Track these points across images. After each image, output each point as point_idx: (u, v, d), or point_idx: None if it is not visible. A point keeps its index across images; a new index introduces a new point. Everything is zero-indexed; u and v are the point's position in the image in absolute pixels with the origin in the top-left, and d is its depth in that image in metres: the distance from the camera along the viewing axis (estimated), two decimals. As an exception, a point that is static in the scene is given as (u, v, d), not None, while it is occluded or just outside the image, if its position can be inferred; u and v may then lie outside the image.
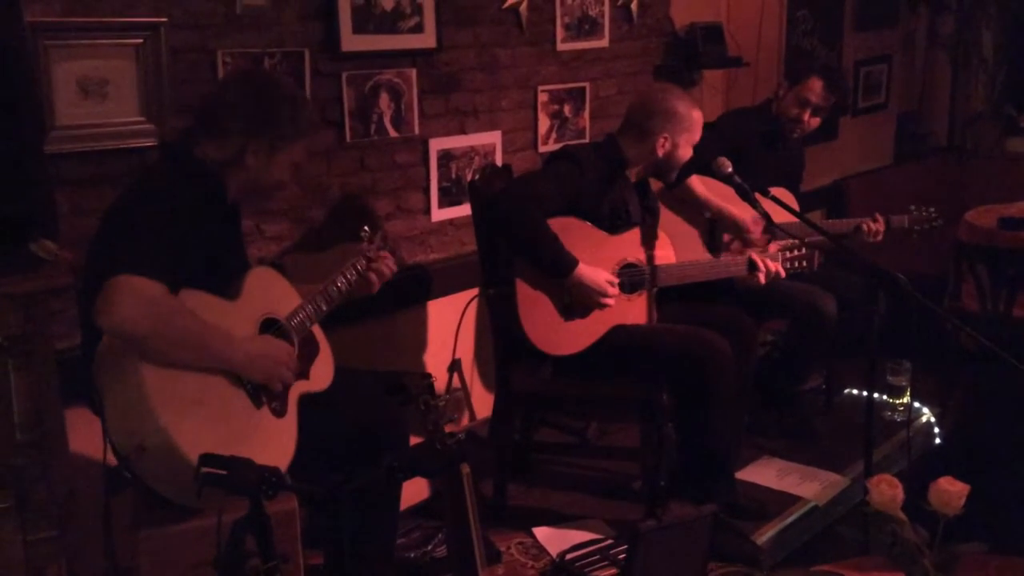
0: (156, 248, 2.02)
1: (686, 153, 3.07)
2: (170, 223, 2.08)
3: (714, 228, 3.54)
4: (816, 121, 3.71)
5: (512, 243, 2.91)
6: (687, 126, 3.02)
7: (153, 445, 1.93)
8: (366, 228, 2.57)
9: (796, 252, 3.16)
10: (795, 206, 3.38)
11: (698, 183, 3.45)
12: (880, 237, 3.63)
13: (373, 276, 2.50)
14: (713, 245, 3.53)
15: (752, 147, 3.60)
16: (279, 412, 2.20)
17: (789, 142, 3.79)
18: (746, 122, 3.76)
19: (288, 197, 3.04)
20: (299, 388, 2.28)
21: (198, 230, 2.14)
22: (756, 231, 3.43)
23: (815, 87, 3.63)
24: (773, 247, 3.28)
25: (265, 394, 2.18)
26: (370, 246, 2.53)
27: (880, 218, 3.64)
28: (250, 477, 1.65)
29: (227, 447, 2.00)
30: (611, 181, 3.04)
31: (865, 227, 3.62)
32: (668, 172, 3.13)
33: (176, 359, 2.00)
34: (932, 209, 3.72)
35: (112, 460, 2.06)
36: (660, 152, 3.03)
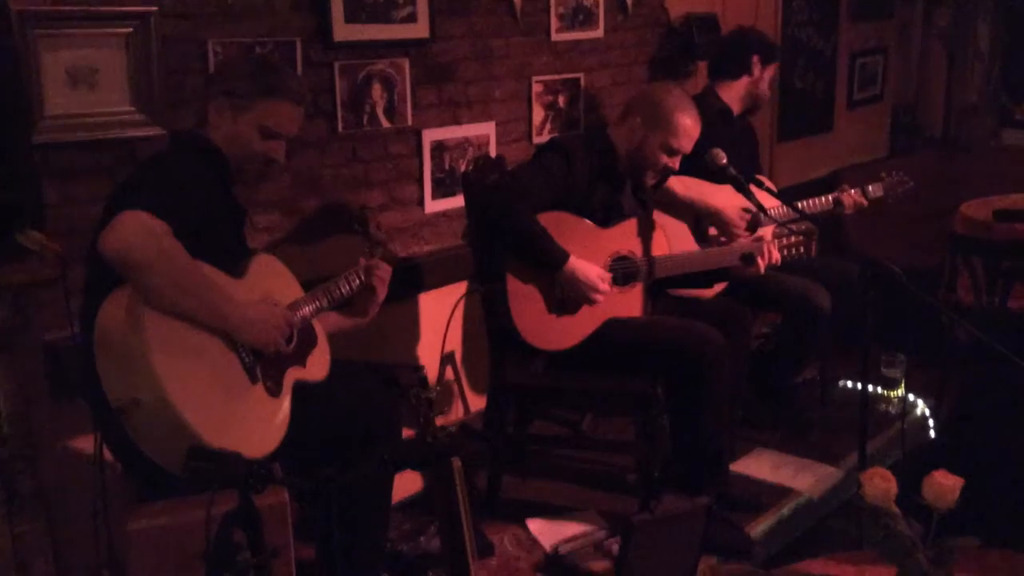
0: (165, 195, 2.04)
1: (653, 153, 2.97)
2: (181, 182, 2.12)
3: (700, 223, 3.51)
4: None
5: (502, 238, 2.89)
6: (663, 124, 2.94)
7: (148, 399, 1.93)
8: (370, 240, 2.60)
9: (792, 239, 3.14)
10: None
11: (677, 184, 3.40)
12: (862, 208, 3.65)
13: (376, 282, 2.52)
14: (701, 238, 3.50)
15: (713, 133, 3.57)
16: (273, 392, 2.21)
17: (742, 120, 3.78)
18: (702, 110, 3.70)
19: (279, 188, 3.03)
20: (295, 374, 2.29)
21: (206, 201, 2.17)
22: (742, 224, 3.40)
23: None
24: (769, 231, 3.26)
25: (261, 369, 2.18)
26: (371, 259, 2.55)
27: (855, 190, 3.64)
28: (238, 471, 1.63)
29: (220, 415, 2.03)
30: (601, 173, 3.02)
31: (845, 199, 3.61)
32: (639, 170, 3.04)
33: (175, 302, 2.00)
34: (901, 172, 3.75)
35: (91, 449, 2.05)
36: (629, 139, 2.99)
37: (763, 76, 3.70)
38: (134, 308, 1.97)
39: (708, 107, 3.62)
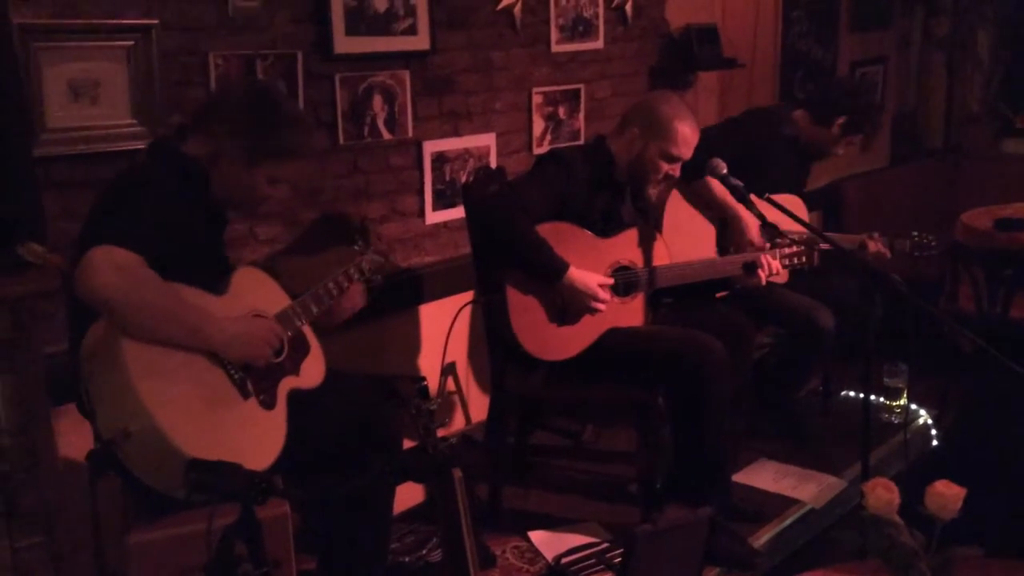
0: (136, 225, 2.02)
1: (654, 161, 2.97)
2: (153, 207, 2.08)
3: (726, 228, 3.50)
4: None
5: (501, 249, 2.89)
6: (662, 133, 2.94)
7: (137, 429, 1.92)
8: (360, 242, 2.58)
9: (794, 248, 3.13)
10: (805, 215, 3.35)
11: (716, 181, 3.39)
12: (884, 259, 3.63)
13: (362, 286, 2.50)
14: (724, 244, 3.49)
15: (773, 150, 3.56)
16: (268, 405, 2.19)
17: (804, 153, 3.77)
18: (771, 124, 3.69)
19: (281, 200, 3.03)
20: (289, 383, 2.27)
21: (182, 221, 2.14)
22: (758, 239, 3.37)
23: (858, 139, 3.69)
24: (768, 245, 3.25)
25: (252, 384, 2.16)
26: (362, 258, 2.53)
27: (882, 239, 3.63)
28: (239, 483, 1.63)
29: (213, 436, 2.00)
30: (600, 183, 3.02)
31: (871, 245, 3.60)
32: (640, 180, 3.05)
33: (152, 332, 1.98)
34: (932, 236, 3.73)
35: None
36: (628, 149, 2.99)
37: (839, 139, 3.66)
38: (112, 338, 1.95)
39: (776, 126, 3.64)
